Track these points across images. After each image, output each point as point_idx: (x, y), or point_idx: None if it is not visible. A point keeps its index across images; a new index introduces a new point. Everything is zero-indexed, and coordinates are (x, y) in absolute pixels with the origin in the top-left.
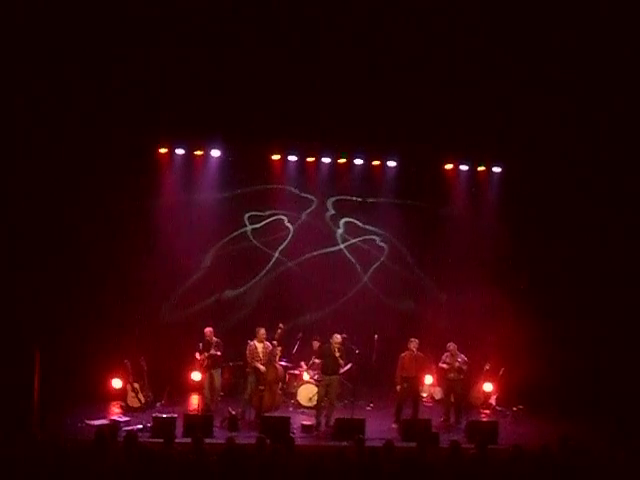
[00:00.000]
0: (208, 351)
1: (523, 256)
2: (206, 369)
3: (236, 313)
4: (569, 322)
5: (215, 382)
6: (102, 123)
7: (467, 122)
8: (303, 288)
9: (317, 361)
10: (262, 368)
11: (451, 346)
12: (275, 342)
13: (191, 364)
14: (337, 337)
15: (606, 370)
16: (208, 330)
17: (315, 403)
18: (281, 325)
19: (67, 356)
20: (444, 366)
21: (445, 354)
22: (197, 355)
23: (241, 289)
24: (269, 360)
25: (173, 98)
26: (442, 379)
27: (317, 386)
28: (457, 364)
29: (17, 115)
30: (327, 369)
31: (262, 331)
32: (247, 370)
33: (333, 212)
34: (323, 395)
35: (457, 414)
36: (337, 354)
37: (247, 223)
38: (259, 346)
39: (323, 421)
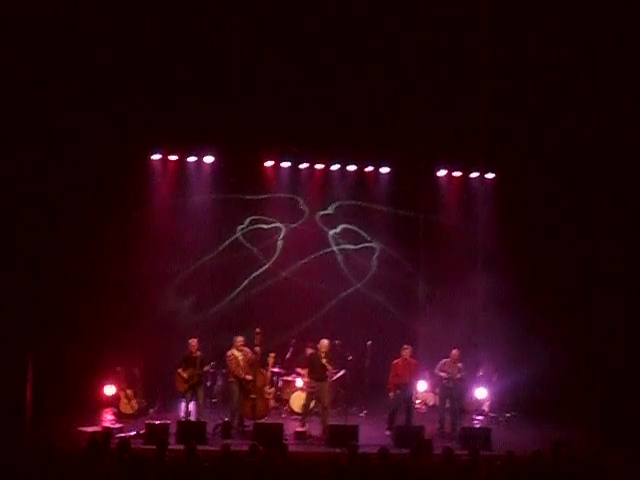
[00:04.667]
0: (192, 366)
1: (516, 262)
2: (191, 387)
3: (228, 320)
4: (562, 328)
5: (199, 400)
6: (95, 129)
7: (460, 128)
8: (296, 294)
9: (300, 371)
10: (249, 377)
11: (456, 354)
12: (257, 348)
13: (173, 378)
14: (324, 343)
15: (599, 376)
16: (193, 341)
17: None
18: (258, 330)
19: (60, 362)
20: (443, 374)
21: (443, 361)
22: (181, 371)
23: (233, 295)
24: (254, 366)
25: (166, 104)
26: (439, 386)
27: (306, 393)
28: (459, 375)
29: (9, 120)
30: (315, 376)
31: (239, 339)
32: (230, 380)
33: (326, 219)
34: (311, 402)
35: (453, 420)
36: (324, 361)
37: (239, 229)
38: (238, 355)
39: (319, 428)
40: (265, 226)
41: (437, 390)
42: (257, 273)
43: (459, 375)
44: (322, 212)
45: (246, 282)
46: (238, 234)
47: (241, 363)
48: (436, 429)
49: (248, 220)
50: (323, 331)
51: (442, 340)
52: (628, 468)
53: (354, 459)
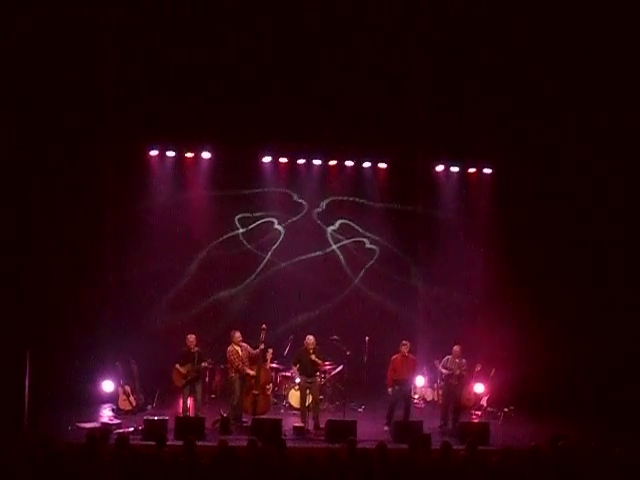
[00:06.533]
0: (190, 362)
1: (514, 257)
2: (189, 382)
3: (227, 316)
4: (560, 323)
5: (197, 395)
6: (93, 125)
7: (458, 124)
8: (294, 290)
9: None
10: (252, 372)
11: (458, 349)
12: (262, 344)
13: (171, 374)
14: (310, 339)
15: (596, 370)
16: (191, 337)
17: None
18: (264, 326)
19: (58, 358)
20: (444, 371)
21: (446, 357)
22: (179, 367)
23: (232, 291)
24: (257, 362)
25: (163, 100)
26: (443, 384)
27: (300, 389)
28: (458, 371)
29: (7, 117)
30: (305, 371)
31: (237, 334)
32: (231, 376)
33: (324, 214)
34: (305, 397)
35: (454, 417)
36: (312, 356)
37: (238, 225)
38: (239, 349)
39: (311, 423)
40: (262, 221)
41: (435, 385)
42: (254, 270)
43: (459, 372)
44: (319, 207)
45: (244, 279)
46: (236, 231)
47: (243, 358)
48: (438, 426)
49: (246, 216)
50: (321, 326)
51: (440, 335)
52: (626, 461)
53: (353, 454)
